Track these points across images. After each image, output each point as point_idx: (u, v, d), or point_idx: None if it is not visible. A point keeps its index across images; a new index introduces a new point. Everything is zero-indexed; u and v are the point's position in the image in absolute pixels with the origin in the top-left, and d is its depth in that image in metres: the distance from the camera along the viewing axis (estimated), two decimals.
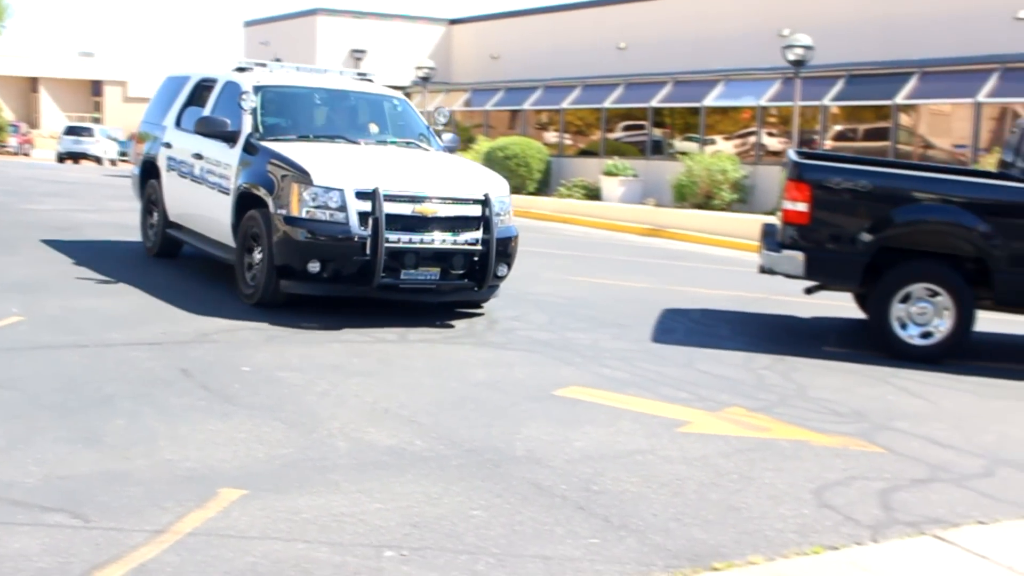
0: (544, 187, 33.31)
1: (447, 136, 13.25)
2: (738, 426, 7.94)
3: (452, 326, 10.94)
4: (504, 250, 11.07)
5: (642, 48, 36.76)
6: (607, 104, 34.43)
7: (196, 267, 13.68)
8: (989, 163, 20.26)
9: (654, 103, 33.02)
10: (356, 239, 10.34)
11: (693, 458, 7.03)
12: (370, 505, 5.80)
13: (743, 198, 28.34)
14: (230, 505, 5.67)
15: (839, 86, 28.58)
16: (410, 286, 10.72)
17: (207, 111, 12.67)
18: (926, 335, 10.88)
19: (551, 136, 36.51)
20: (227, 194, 11.63)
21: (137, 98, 68.05)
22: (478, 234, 10.83)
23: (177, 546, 5.10)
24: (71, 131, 56.93)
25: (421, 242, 10.54)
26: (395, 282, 10.56)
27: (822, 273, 11.17)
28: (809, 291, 11.91)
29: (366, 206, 10.40)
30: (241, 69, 12.79)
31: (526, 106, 37.12)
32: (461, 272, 10.83)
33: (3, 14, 62.81)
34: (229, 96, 12.40)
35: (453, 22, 47.64)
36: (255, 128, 11.71)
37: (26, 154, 60.51)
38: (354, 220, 10.39)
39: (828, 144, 28.47)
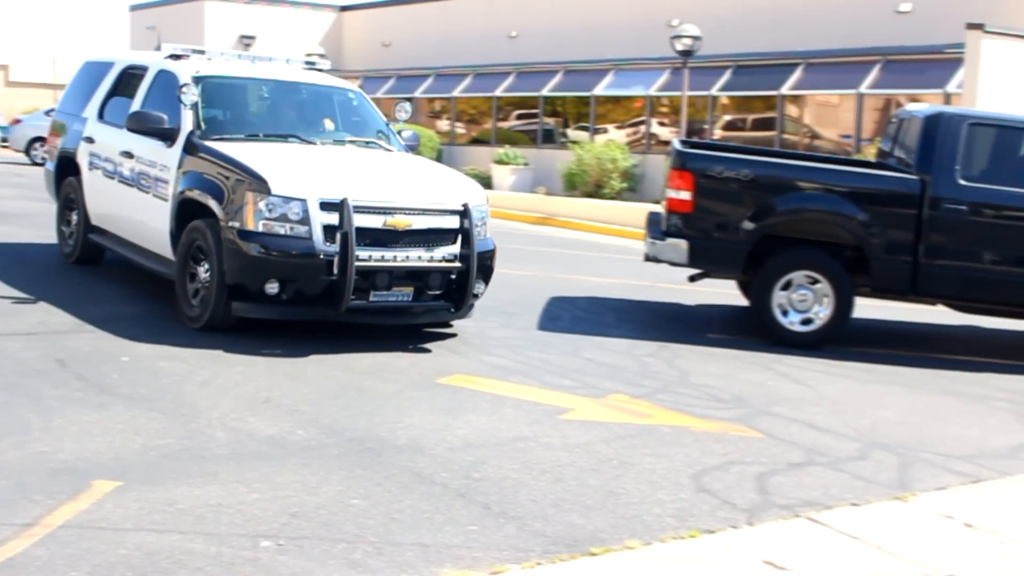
0: None
1: (407, 134, 11.82)
2: (620, 412, 8.01)
3: None
4: (483, 266, 9.83)
5: (533, 37, 36.83)
6: (498, 93, 34.46)
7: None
8: (871, 153, 20.67)
9: (545, 92, 33.13)
10: (321, 256, 9.06)
11: (574, 445, 7.08)
12: (248, 495, 5.74)
13: (633, 187, 28.59)
14: (104, 497, 5.58)
15: (727, 76, 28.96)
16: (380, 308, 9.49)
17: (137, 104, 11.17)
18: (807, 321, 11.08)
19: (443, 124, 36.46)
20: (165, 200, 10.18)
21: (21, 82, 66.35)
22: (455, 248, 9.61)
23: (47, 539, 5.00)
24: None
25: (395, 259, 9.29)
26: (364, 304, 9.29)
27: (705, 261, 11.32)
28: (693, 279, 12.06)
29: (332, 219, 9.10)
30: (175, 56, 11.24)
31: (417, 94, 36.99)
32: (438, 292, 9.58)
33: None
34: (163, 87, 10.96)
35: (344, 9, 47.26)
36: (197, 125, 10.24)
37: None
38: (318, 234, 9.09)
39: (718, 134, 28.82)
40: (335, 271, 9.03)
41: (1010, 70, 22.47)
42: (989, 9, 24.37)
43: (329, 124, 11.44)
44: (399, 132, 11.65)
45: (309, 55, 11.99)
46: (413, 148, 11.62)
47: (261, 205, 9.13)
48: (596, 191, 28.27)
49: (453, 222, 9.67)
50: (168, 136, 10.29)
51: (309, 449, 6.60)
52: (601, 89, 31.68)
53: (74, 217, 12.46)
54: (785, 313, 11.07)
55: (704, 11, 30.57)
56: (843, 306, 11.01)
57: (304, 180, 9.30)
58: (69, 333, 9.21)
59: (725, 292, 13.88)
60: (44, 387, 7.53)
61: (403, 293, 9.43)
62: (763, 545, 5.60)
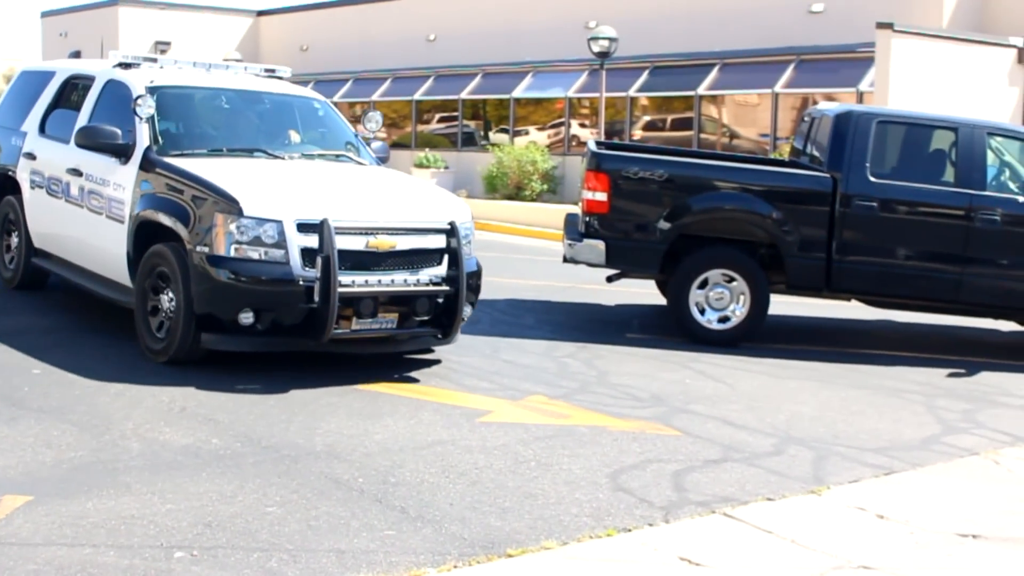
0: None
1: (376, 145, 11.13)
2: (538, 414, 8.04)
3: None
4: (471, 287, 9.14)
5: (452, 40, 36.81)
6: (417, 96, 34.41)
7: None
8: (787, 152, 20.94)
9: (464, 95, 33.13)
10: (300, 282, 8.29)
11: (492, 447, 7.09)
12: (162, 506, 5.69)
13: (553, 188, 28.68)
14: (13, 512, 5.50)
15: (644, 77, 29.15)
16: (363, 336, 8.77)
17: (85, 117, 10.32)
18: (724, 319, 11.19)
19: (362, 129, 36.32)
20: (120, 222, 9.34)
21: None
22: (441, 270, 8.92)
23: None
24: None
25: (379, 283, 8.56)
26: (347, 333, 8.53)
27: (622, 261, 11.39)
28: (610, 279, 12.13)
29: (310, 241, 8.36)
30: (125, 65, 10.35)
31: (336, 99, 36.78)
32: (425, 318, 8.87)
33: None
34: (112, 98, 10.13)
35: (261, 13, 46.91)
36: (154, 140, 9.40)
37: None
38: (296, 259, 8.33)
39: (637, 134, 29.00)
40: (316, 298, 8.26)
41: (920, 68, 22.86)
42: (899, 9, 24.81)
43: (295, 136, 10.80)
44: (368, 143, 11.02)
45: (227, 59, 11.04)
46: (384, 160, 10.97)
47: (232, 227, 8.32)
48: (517, 193, 28.32)
49: (439, 241, 8.97)
50: (122, 152, 9.43)
51: (224, 458, 6.55)
52: (520, 91, 31.76)
53: (14, 240, 11.56)
54: (702, 311, 11.17)
55: (621, 12, 30.75)
56: (759, 303, 11.13)
57: (278, 199, 8.53)
58: None
59: (645, 292, 13.97)
60: None
61: (387, 320, 8.71)
62: (679, 542, 5.65)
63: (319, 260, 8.26)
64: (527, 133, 31.61)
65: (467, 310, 9.15)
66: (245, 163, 9.52)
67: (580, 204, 11.67)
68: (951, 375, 10.48)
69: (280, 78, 11.28)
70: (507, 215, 25.97)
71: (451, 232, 8.96)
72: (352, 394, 8.24)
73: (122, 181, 9.41)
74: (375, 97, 35.71)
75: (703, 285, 11.15)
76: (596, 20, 30.07)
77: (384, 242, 8.67)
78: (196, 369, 8.62)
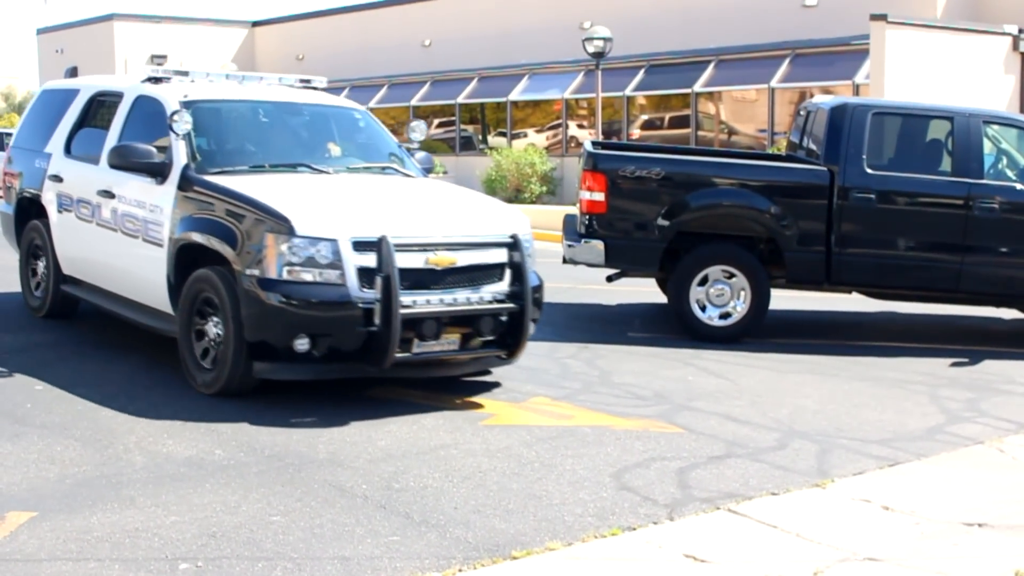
0: None
1: (420, 155, 10.39)
2: (541, 415, 8.04)
3: None
4: (535, 302, 8.59)
5: (447, 45, 36.87)
6: (414, 102, 34.47)
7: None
8: (783, 146, 20.94)
9: (460, 99, 33.19)
10: (358, 305, 7.79)
11: (496, 450, 7.10)
12: (166, 519, 5.69)
13: (552, 190, 28.71)
14: (18, 528, 5.50)
15: (640, 76, 29.18)
16: (424, 360, 8.24)
17: (114, 135, 9.75)
18: (725, 316, 11.19)
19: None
20: (158, 245, 8.78)
21: None
22: (503, 286, 8.40)
23: None
24: None
25: (441, 303, 8.02)
26: (409, 357, 7.99)
27: (621, 260, 11.39)
28: (610, 279, 12.13)
29: (366, 260, 7.83)
30: (155, 79, 9.78)
31: None
32: (490, 338, 8.33)
33: None
34: (143, 115, 9.61)
35: (256, 24, 47.00)
36: (192, 157, 8.85)
37: None
38: (352, 279, 7.79)
39: (635, 134, 29.04)
40: (376, 321, 7.73)
41: (915, 59, 22.87)
42: (893, 0, 24.80)
43: (335, 149, 10.18)
44: (412, 154, 10.30)
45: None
46: (429, 171, 10.33)
47: (284, 248, 7.77)
48: (516, 196, 28.34)
49: (499, 256, 8.45)
50: (158, 171, 8.88)
51: (228, 468, 6.55)
52: (517, 94, 31.79)
53: (41, 266, 10.95)
54: (703, 308, 11.17)
55: (616, 12, 30.82)
56: (760, 299, 11.13)
57: (331, 217, 8.00)
58: None
59: (646, 291, 13.96)
60: None
61: (450, 341, 8.16)
62: (684, 539, 5.65)
63: (378, 280, 7.73)
64: (525, 135, 31.64)
65: (531, 328, 8.62)
66: (290, 179, 8.94)
67: (578, 205, 11.67)
68: (954, 364, 10.47)
69: (316, 88, 10.64)
70: None
71: (513, 245, 8.46)
72: (354, 401, 8.24)
73: (159, 202, 8.86)
74: (372, 104, 35.74)
75: (703, 282, 11.15)
76: (590, 20, 30.11)
77: (444, 258, 8.14)
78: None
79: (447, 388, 8.75)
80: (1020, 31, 24.39)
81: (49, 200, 10.59)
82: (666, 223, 11.10)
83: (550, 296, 13.70)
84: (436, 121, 34.62)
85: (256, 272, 7.87)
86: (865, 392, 9.24)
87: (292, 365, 7.98)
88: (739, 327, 11.15)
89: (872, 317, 13.29)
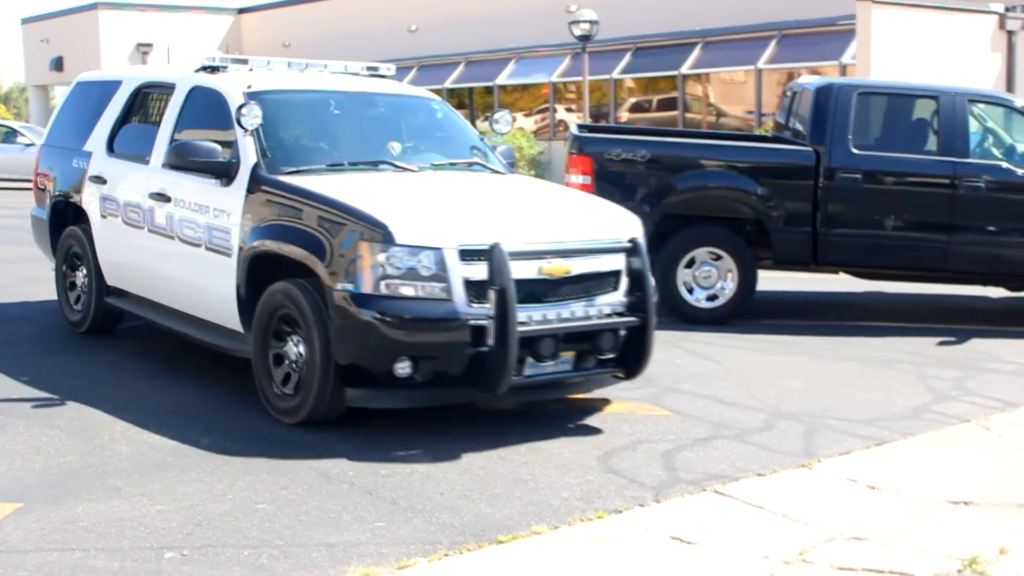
0: None
1: (502, 148, 9.26)
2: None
3: None
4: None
5: (433, 30, 36.79)
6: None
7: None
8: (771, 127, 20.94)
9: (448, 84, 33.14)
10: (467, 322, 6.82)
11: (482, 434, 7.09)
12: (151, 508, 5.68)
13: (540, 174, 28.68)
14: (2, 520, 5.49)
15: (627, 59, 29.17)
16: (539, 383, 7.29)
17: (166, 131, 8.80)
18: (712, 298, 11.20)
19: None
20: (225, 255, 7.81)
21: None
22: (619, 296, 7.47)
23: None
24: None
25: (558, 318, 7.08)
26: (523, 381, 7.05)
27: None
28: None
29: (474, 271, 6.85)
30: (211, 68, 8.79)
31: None
32: (610, 356, 7.41)
33: None
34: (199, 108, 8.69)
35: (241, 11, 46.87)
36: (262, 155, 7.86)
37: None
38: (459, 293, 6.82)
39: (624, 116, 29.04)
40: (490, 340, 6.81)
41: (902, 38, 22.87)
42: None
43: (414, 143, 9.11)
44: (494, 148, 9.24)
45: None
46: (512, 166, 9.20)
47: (381, 259, 6.81)
48: None
49: (616, 263, 7.52)
50: (224, 172, 7.89)
51: (214, 457, 6.54)
52: (504, 78, 31.76)
53: (80, 276, 9.88)
54: (691, 290, 11.18)
55: None
56: (747, 280, 11.14)
57: (434, 222, 7.02)
58: None
59: None
60: None
61: (565, 361, 7.24)
62: (670, 521, 5.66)
63: (491, 294, 6.79)
64: (513, 120, 31.61)
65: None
66: (374, 178, 7.97)
67: None
68: (941, 343, 10.49)
69: (383, 76, 9.60)
70: None
71: (633, 251, 7.52)
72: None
73: (225, 206, 7.87)
74: None
75: (690, 264, 11.16)
76: (577, 3, 30.06)
77: (559, 267, 7.19)
78: (187, 374, 8.60)
79: None
80: (1007, 9, 24.39)
81: (91, 204, 9.57)
82: (652, 205, 11.09)
83: None
84: None
85: (349, 287, 6.89)
86: (852, 372, 9.25)
87: (390, 391, 7.05)
88: (726, 309, 11.16)
89: (859, 297, 13.31)
